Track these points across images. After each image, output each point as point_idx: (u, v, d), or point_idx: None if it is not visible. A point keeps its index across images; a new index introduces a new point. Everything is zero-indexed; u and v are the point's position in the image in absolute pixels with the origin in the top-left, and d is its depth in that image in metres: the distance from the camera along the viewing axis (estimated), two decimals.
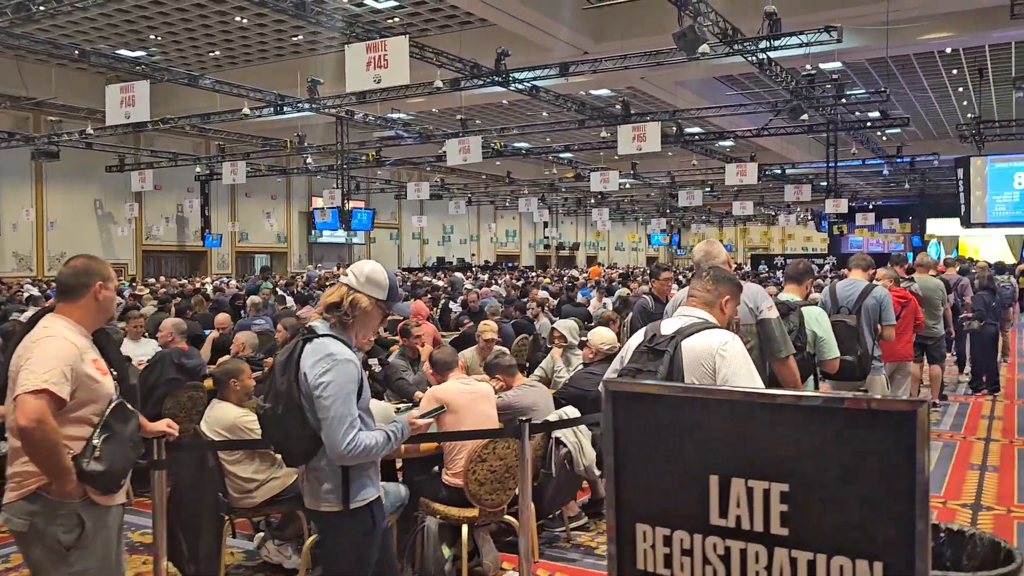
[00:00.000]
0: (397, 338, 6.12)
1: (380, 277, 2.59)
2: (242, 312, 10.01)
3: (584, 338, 5.11)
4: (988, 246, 36.05)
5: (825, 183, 21.89)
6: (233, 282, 18.83)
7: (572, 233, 47.56)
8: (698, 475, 1.55)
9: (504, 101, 21.97)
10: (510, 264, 39.89)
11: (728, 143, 27.34)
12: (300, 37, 17.87)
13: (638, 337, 2.76)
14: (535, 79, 15.29)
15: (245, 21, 16.68)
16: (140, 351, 6.49)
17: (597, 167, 29.95)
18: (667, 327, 2.70)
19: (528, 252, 45.03)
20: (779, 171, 26.17)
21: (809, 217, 30.72)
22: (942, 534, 2.37)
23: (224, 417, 3.77)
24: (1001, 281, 11.34)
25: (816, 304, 4.45)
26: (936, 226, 34.58)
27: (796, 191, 21.91)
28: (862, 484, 1.40)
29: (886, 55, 15.92)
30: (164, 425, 2.92)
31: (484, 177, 31.98)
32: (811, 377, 3.97)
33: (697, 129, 22.15)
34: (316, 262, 32.00)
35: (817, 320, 4.04)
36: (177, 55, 19.04)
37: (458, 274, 24.09)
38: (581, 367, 4.92)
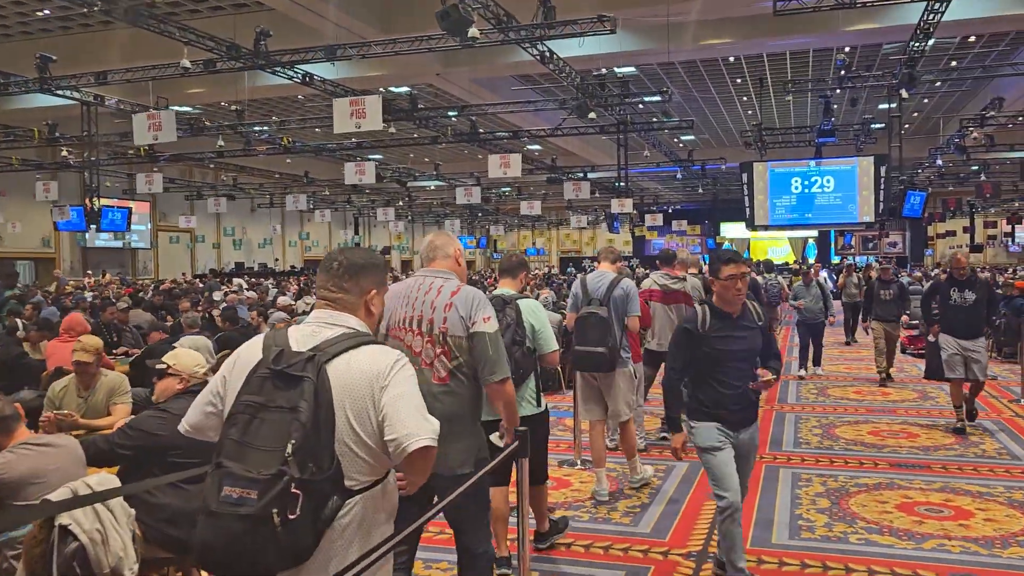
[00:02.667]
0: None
1: None
2: None
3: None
4: (777, 248, 38.41)
5: (621, 184, 21.95)
6: None
7: (385, 237, 45.96)
8: None
9: (300, 96, 20.36)
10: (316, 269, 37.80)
11: (536, 147, 27.13)
12: (47, 12, 15.35)
13: (252, 354, 1.92)
14: (299, 62, 13.81)
15: None
16: None
17: (403, 166, 28.83)
18: (300, 340, 1.91)
19: None
20: (581, 174, 26.32)
21: (603, 218, 31.09)
22: None
23: None
24: (768, 280, 11.20)
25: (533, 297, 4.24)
26: (729, 229, 36.25)
27: (575, 188, 21.67)
28: None
29: (668, 56, 15.91)
30: None
31: (278, 176, 29.82)
32: (532, 375, 3.78)
33: (504, 133, 21.46)
34: (91, 269, 28.47)
35: (534, 312, 3.83)
36: None
37: (238, 280, 21.97)
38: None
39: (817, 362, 9.92)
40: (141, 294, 14.92)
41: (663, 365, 6.51)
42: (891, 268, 9.75)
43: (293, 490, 1.71)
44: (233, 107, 19.00)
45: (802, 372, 9.86)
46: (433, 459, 1.92)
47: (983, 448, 6.07)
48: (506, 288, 3.99)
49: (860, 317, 11.92)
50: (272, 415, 1.78)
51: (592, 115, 16.75)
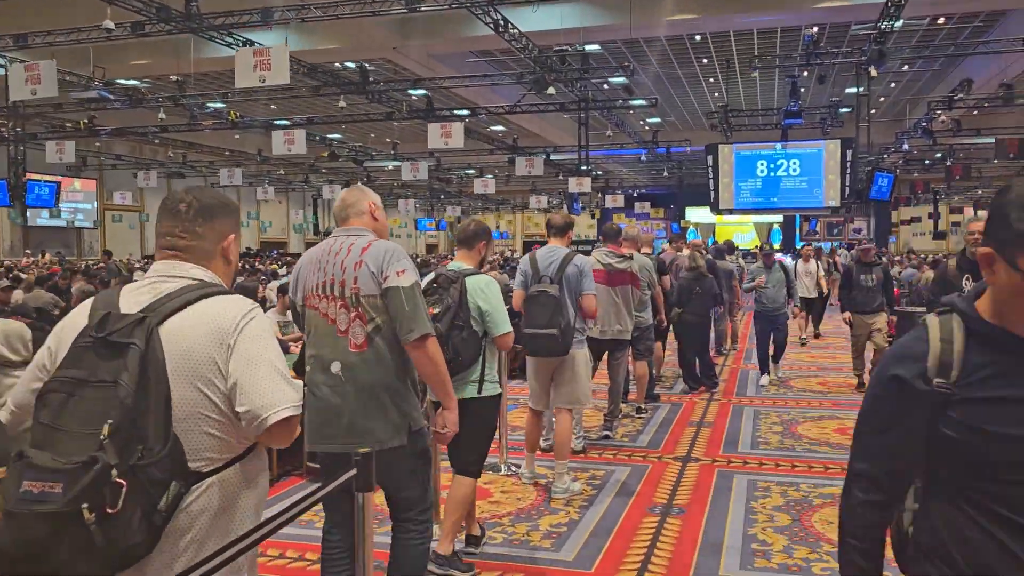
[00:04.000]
0: None
1: None
2: None
3: None
4: (743, 233, 38.07)
5: (584, 166, 21.29)
6: None
7: None
8: None
9: None
10: (273, 252, 36.74)
11: (499, 127, 26.36)
12: None
13: (79, 321, 1.64)
14: (234, 26, 12.83)
15: None
16: None
17: (359, 144, 27.85)
18: (132, 300, 1.64)
19: (296, 238, 41.78)
20: (543, 155, 25.68)
21: (563, 200, 30.43)
22: None
23: None
24: (730, 262, 10.56)
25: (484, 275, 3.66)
26: (694, 214, 35.75)
27: (528, 164, 20.85)
28: None
29: (631, 33, 15.31)
30: None
31: (228, 153, 28.65)
32: (480, 358, 3.39)
33: (463, 111, 20.62)
34: (34, 249, 27.27)
35: (483, 291, 3.44)
36: None
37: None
38: None
39: (776, 358, 8.16)
40: (78, 272, 13.88)
41: (606, 354, 5.83)
42: (873, 248, 7.79)
43: (116, 479, 1.44)
44: (174, 78, 17.95)
45: (763, 380, 8.01)
46: (296, 427, 1.66)
47: None
48: (461, 262, 3.59)
49: (840, 308, 8.30)
50: (91, 392, 1.50)
51: (551, 90, 16.05)
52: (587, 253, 5.21)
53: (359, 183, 2.80)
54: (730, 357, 9.92)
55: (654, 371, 7.32)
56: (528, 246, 40.34)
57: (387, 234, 2.77)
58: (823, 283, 11.06)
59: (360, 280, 2.51)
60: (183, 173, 29.99)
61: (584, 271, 4.51)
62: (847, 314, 7.53)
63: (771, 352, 8.06)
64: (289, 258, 28.58)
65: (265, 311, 6.53)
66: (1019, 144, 15.32)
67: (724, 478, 4.78)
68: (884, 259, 9.88)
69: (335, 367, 2.50)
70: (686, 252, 8.29)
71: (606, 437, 5.72)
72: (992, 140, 21.52)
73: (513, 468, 4.89)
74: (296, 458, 4.93)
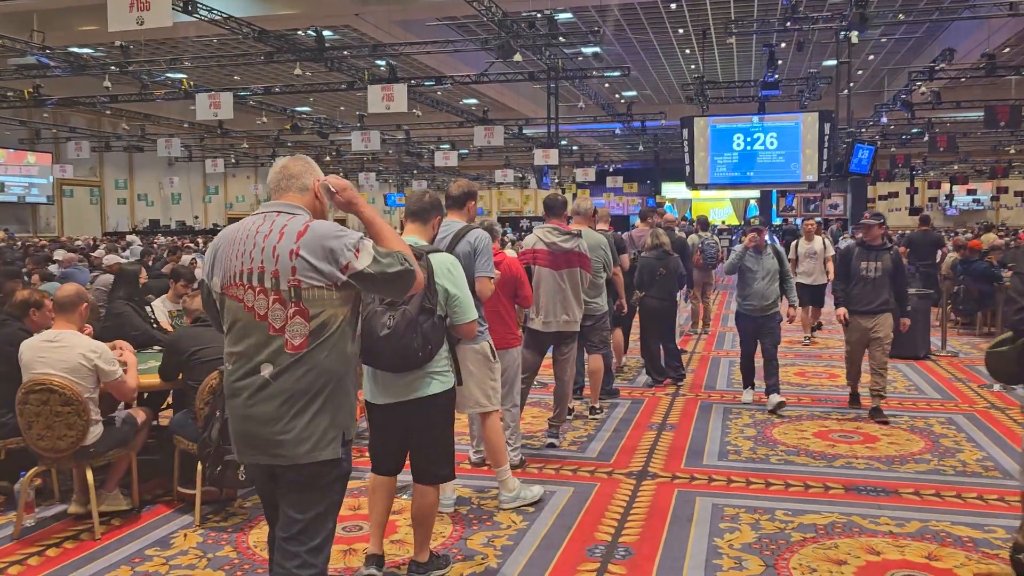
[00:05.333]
0: None
1: None
2: None
3: None
4: (719, 209, 37.53)
5: (555, 139, 20.45)
6: None
7: None
8: None
9: (214, 39, 18.54)
10: None
11: (472, 100, 25.46)
12: None
13: None
14: None
15: None
16: None
17: (323, 116, 26.76)
18: None
19: None
20: (516, 129, 24.82)
21: (532, 175, 29.53)
22: None
23: None
24: (705, 239, 9.81)
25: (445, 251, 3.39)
26: (670, 189, 35.10)
27: (487, 133, 19.88)
28: None
29: None
30: None
31: (188, 126, 27.43)
32: (444, 348, 3.05)
33: (430, 82, 19.67)
34: None
35: (450, 272, 3.13)
36: None
37: (132, 237, 19.85)
38: None
39: (772, 381, 6.02)
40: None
41: (552, 349, 5.05)
42: (879, 227, 5.67)
43: None
44: (118, 43, 16.84)
45: (746, 396, 6.29)
46: None
47: (962, 459, 4.69)
48: (413, 236, 3.20)
49: (835, 303, 6.10)
50: None
51: (517, 57, 15.16)
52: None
53: (302, 155, 2.07)
54: (700, 343, 9.16)
55: (614, 362, 6.57)
56: (502, 223, 39.47)
57: (327, 217, 2.32)
58: (831, 266, 8.63)
59: (300, 271, 2.10)
60: (142, 147, 28.77)
61: (479, 249, 3.77)
62: (842, 311, 5.75)
63: (761, 364, 6.15)
64: None
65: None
66: (1011, 112, 14.62)
67: (684, 501, 4.01)
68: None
69: (266, 370, 2.14)
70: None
71: (551, 446, 4.94)
72: (971, 113, 20.93)
73: None
74: (165, 483, 4.09)
